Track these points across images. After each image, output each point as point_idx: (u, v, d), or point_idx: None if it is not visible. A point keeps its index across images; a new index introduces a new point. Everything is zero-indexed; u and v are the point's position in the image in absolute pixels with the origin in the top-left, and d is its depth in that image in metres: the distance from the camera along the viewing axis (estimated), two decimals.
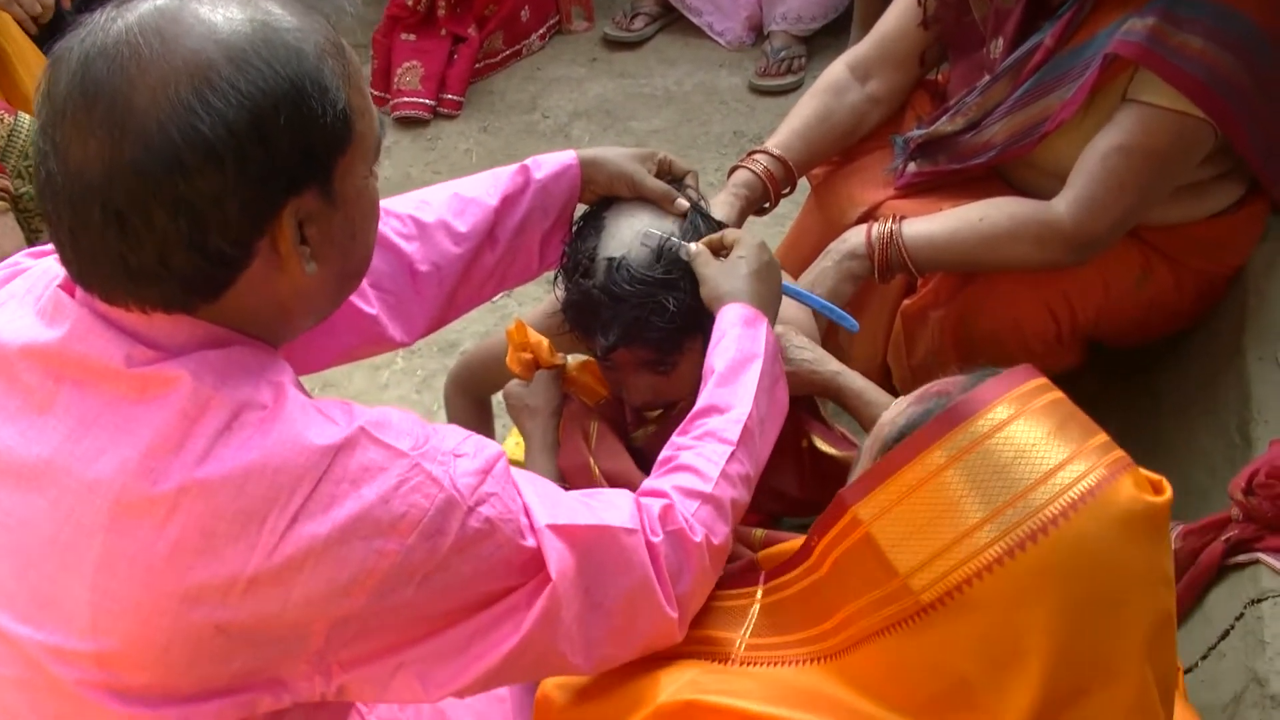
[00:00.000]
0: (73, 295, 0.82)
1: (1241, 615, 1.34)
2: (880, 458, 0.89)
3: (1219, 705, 1.31)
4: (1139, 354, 1.89)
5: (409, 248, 1.20)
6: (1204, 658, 1.39)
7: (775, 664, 0.95)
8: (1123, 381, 1.99)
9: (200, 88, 0.74)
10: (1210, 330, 1.77)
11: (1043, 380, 0.89)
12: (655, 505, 0.97)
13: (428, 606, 0.84)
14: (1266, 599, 1.31)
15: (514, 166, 1.29)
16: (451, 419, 1.74)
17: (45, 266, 0.89)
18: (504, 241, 1.27)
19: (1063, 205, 1.53)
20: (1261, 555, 1.34)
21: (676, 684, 0.93)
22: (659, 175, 1.32)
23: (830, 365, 1.36)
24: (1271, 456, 1.36)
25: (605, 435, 1.36)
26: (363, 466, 0.80)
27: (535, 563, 0.88)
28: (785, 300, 1.53)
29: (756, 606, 1.02)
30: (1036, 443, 0.83)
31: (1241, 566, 1.37)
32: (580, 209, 1.34)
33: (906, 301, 1.73)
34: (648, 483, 1.04)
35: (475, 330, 2.26)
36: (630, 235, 1.27)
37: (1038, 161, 1.64)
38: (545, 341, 1.43)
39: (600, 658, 0.94)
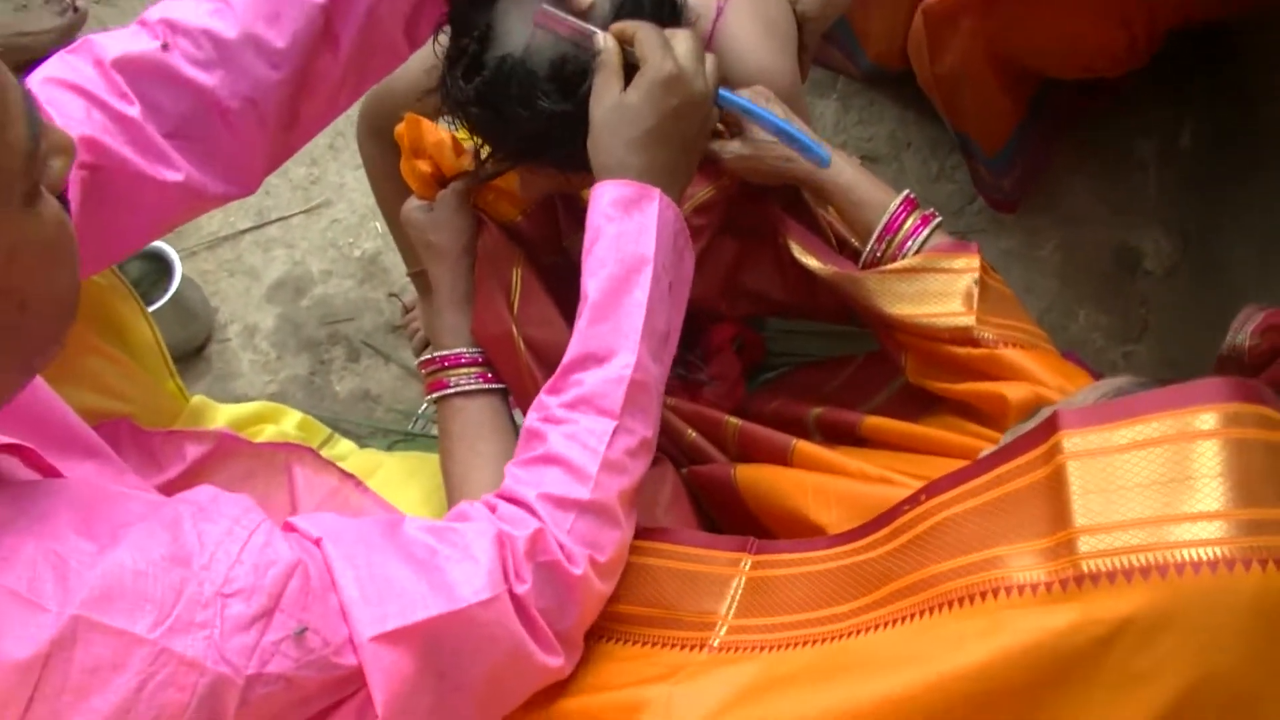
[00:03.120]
0: None
1: None
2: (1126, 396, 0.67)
3: None
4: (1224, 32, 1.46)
5: (208, 79, 0.85)
6: None
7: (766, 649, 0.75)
8: (1206, 72, 1.56)
9: None
10: None
11: None
12: (520, 536, 0.75)
13: None
14: None
15: None
16: (368, 166, 1.40)
17: None
18: (349, 39, 0.90)
19: None
20: None
21: None
22: None
23: None
24: None
25: (531, 289, 1.02)
26: (87, 670, 0.59)
27: (358, 678, 0.68)
28: (760, 46, 1.14)
29: (741, 579, 0.82)
30: None
31: None
32: None
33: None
34: (511, 481, 0.81)
35: None
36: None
37: None
38: (448, 138, 1.04)
39: None
